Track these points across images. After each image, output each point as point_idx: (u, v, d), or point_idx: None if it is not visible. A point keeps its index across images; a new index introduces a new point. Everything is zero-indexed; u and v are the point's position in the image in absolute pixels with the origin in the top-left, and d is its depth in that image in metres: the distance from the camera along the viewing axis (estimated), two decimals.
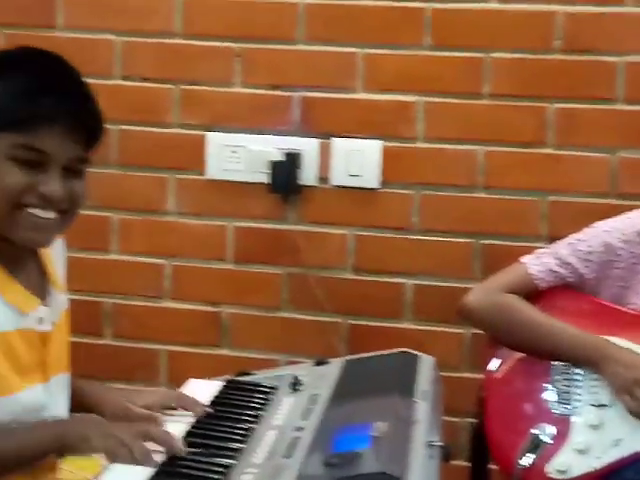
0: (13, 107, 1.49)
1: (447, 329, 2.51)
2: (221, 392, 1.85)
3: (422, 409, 1.58)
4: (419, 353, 1.94)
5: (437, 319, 2.52)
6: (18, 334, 1.55)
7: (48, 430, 1.53)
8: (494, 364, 2.09)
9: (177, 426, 1.67)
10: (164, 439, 1.50)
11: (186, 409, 1.73)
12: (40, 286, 1.63)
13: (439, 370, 1.89)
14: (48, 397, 1.60)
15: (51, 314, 1.61)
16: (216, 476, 1.41)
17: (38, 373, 1.59)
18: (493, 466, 2.12)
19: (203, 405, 1.73)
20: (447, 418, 1.97)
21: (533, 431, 1.97)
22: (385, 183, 2.51)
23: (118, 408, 1.76)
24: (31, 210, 1.52)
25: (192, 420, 1.70)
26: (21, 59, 1.56)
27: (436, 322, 2.52)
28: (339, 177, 2.52)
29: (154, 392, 1.86)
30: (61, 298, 1.66)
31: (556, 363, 2.03)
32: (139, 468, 1.45)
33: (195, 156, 2.57)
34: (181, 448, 1.48)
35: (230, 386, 1.89)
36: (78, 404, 1.72)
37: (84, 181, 1.58)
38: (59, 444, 1.51)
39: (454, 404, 2.18)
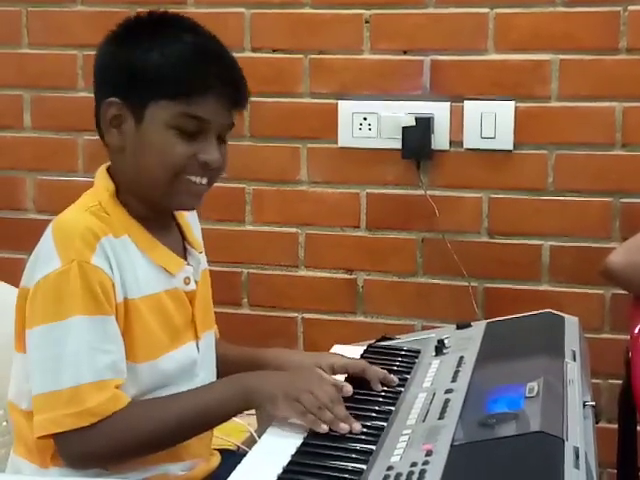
0: (173, 77, 1.52)
1: (586, 290, 2.47)
2: (364, 357, 1.86)
3: (573, 369, 1.56)
4: (563, 314, 1.92)
5: (576, 280, 2.48)
6: (166, 295, 1.59)
7: (231, 388, 1.53)
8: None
9: None
10: (344, 417, 1.48)
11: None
12: (181, 248, 1.67)
13: None
14: (199, 354, 1.64)
15: (194, 273, 1.65)
16: (371, 438, 1.43)
17: (189, 331, 1.63)
18: None
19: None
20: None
21: None
22: (519, 144, 2.47)
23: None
24: (189, 177, 1.56)
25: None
26: (176, 29, 1.58)
27: (575, 283, 2.48)
28: (472, 140, 2.49)
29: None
30: (200, 257, 1.70)
31: None
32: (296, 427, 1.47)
33: (326, 125, 2.58)
34: (359, 429, 1.46)
35: (373, 351, 1.90)
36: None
37: (226, 146, 1.62)
38: (244, 402, 1.51)
39: (596, 365, 2.14)
